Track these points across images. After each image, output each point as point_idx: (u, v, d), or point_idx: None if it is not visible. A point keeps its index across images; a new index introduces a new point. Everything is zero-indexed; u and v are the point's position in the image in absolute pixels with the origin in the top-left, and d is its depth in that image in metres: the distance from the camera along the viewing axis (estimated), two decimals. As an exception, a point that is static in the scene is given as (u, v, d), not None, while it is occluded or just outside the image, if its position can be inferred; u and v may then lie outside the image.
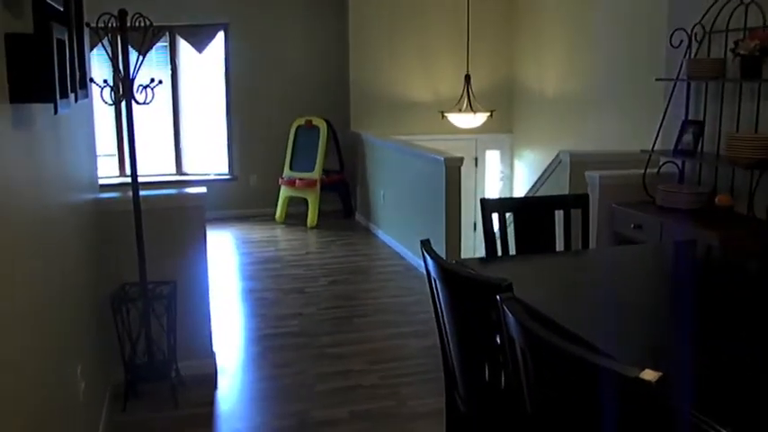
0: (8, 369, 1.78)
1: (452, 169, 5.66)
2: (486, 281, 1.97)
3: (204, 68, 8.63)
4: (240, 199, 8.50)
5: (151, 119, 8.12)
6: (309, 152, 8.03)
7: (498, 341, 2.04)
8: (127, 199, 3.55)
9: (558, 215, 3.43)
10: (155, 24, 3.53)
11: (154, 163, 8.39)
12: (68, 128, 3.08)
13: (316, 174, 7.90)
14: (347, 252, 7.03)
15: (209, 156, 8.73)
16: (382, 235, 7.38)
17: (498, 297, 1.75)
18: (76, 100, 2.56)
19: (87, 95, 3.37)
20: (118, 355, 3.61)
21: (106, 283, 3.62)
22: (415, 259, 6.24)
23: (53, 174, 2.69)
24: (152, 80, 3.44)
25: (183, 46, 8.43)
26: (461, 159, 5.72)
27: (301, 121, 8.22)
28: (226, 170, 8.68)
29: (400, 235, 6.86)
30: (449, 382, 2.48)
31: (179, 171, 8.63)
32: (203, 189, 3.95)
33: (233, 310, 5.29)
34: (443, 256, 4.94)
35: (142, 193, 3.54)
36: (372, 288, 5.97)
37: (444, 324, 2.31)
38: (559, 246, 3.48)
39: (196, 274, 3.87)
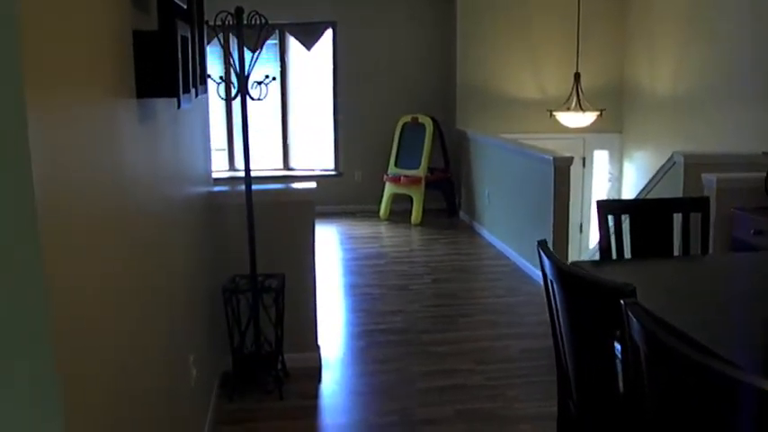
0: (125, 353, 1.83)
1: (562, 169, 5.51)
2: (610, 285, 1.89)
3: (312, 65, 8.76)
4: (345, 195, 8.59)
5: (259, 114, 8.31)
6: (415, 149, 8.02)
7: (617, 346, 1.96)
8: (240, 193, 3.63)
9: (676, 218, 3.28)
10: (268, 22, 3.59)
11: (261, 158, 8.58)
12: (186, 122, 3.17)
13: (421, 171, 7.89)
14: (451, 250, 6.98)
15: (315, 151, 8.86)
16: (487, 234, 7.28)
17: (622, 302, 1.67)
18: (197, 95, 2.62)
19: (206, 91, 3.46)
20: (227, 344, 3.69)
21: (218, 274, 3.72)
22: (521, 260, 6.13)
23: (173, 167, 2.77)
24: (266, 77, 3.50)
25: (292, 43, 8.59)
26: (571, 159, 5.57)
27: (407, 119, 8.22)
28: (331, 166, 8.79)
29: (505, 235, 6.75)
30: (562, 386, 2.40)
31: (286, 166, 8.80)
32: (313, 184, 4.00)
33: (336, 305, 5.34)
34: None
35: (254, 187, 3.61)
36: (477, 288, 5.91)
37: (560, 327, 2.24)
38: (677, 250, 3.33)
39: (304, 268, 3.91)
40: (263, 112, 8.36)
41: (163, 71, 2.09)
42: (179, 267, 2.80)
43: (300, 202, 3.89)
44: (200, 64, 2.80)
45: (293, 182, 7.99)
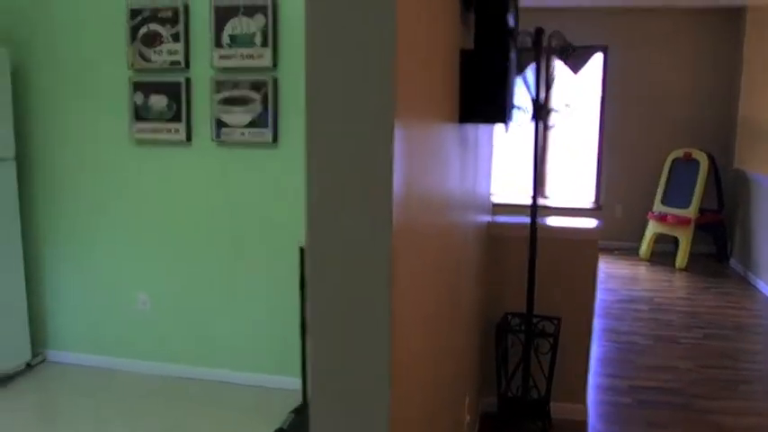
0: (414, 392, 1.64)
1: None
2: None
3: (577, 89, 8.37)
4: (603, 230, 8.08)
5: (514, 139, 8.06)
6: (685, 187, 7.35)
7: None
8: (521, 225, 3.39)
9: None
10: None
11: (513, 185, 8.33)
12: (478, 146, 2.99)
13: (691, 211, 7.19)
14: (722, 302, 6.25)
15: (574, 182, 8.44)
16: (765, 288, 6.45)
17: None
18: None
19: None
20: (492, 385, 3.46)
21: (489, 309, 3.50)
22: (815, 325, 5.31)
23: (470, 192, 2.59)
24: (566, 105, 3.22)
25: (557, 66, 8.26)
26: None
27: (679, 153, 7.56)
28: (591, 198, 8.32)
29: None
30: None
31: (540, 195, 8.48)
32: (595, 222, 3.66)
33: (599, 351, 4.92)
34: None
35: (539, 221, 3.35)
36: (757, 350, 5.18)
37: None
38: None
39: (582, 313, 3.59)
40: (518, 136, 8.10)
41: (492, 93, 1.90)
42: (466, 297, 2.61)
43: (584, 240, 3.57)
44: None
45: (549, 214, 7.64)
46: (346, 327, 1.31)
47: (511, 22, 2.11)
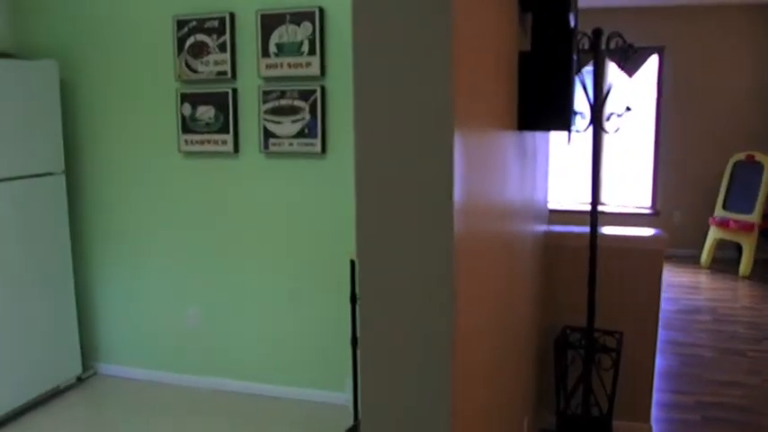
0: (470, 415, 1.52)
1: None
2: None
3: (632, 93, 8.13)
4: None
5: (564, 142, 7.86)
6: (749, 191, 7.05)
7: None
8: (580, 235, 3.24)
9: None
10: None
11: (565, 189, 8.12)
12: (537, 154, 2.86)
13: (755, 216, 6.90)
14: (791, 313, 5.96)
15: (630, 186, 8.19)
16: (837, 297, 6.14)
17: None
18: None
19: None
20: (551, 402, 3.31)
21: (546, 323, 3.36)
22: None
23: (528, 200, 2.46)
24: (627, 108, 3.07)
25: (610, 69, 8.03)
26: None
27: (741, 156, 7.27)
28: (647, 203, 8.06)
29: None
30: None
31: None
32: (659, 231, 3.48)
33: (661, 364, 4.72)
34: None
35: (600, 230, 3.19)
36: (831, 364, 4.91)
37: None
38: None
39: (645, 327, 3.41)
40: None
41: (554, 99, 1.77)
42: (522, 310, 2.48)
43: (647, 250, 3.40)
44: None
45: (604, 219, 7.41)
46: (404, 344, 1.25)
47: (572, 21, 1.98)
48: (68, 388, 4.26)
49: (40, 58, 4.16)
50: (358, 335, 1.64)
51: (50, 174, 4.06)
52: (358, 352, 1.55)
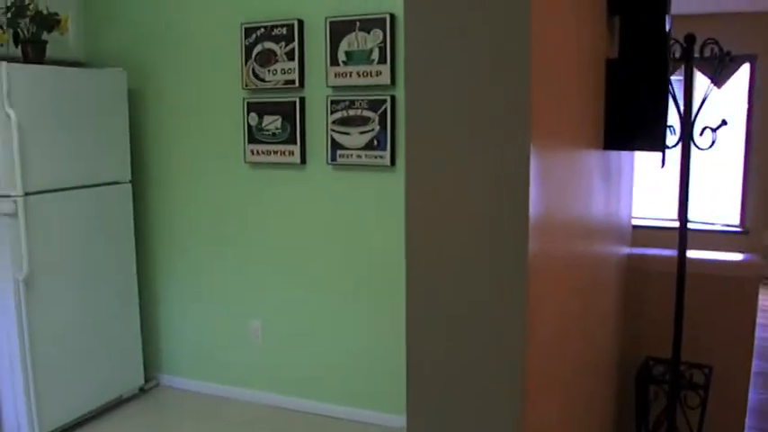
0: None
1: None
2: None
3: (721, 104, 7.70)
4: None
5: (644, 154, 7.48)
6: None
7: None
8: (667, 259, 2.98)
9: None
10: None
11: (649, 203, 7.72)
12: (621, 168, 2.64)
13: None
14: None
15: (716, 201, 7.74)
16: None
17: None
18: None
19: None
20: (631, 439, 3.06)
21: (628, 353, 3.11)
22: None
23: (612, 222, 2.25)
24: (723, 122, 2.81)
25: (698, 79, 7.62)
26: None
27: (841, 172, 6.78)
28: (735, 221, 7.60)
29: None
30: None
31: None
32: (754, 256, 3.19)
33: (754, 400, 4.36)
34: None
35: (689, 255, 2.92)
36: None
37: None
38: None
39: (737, 361, 3.13)
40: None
41: (647, 114, 1.56)
42: (600, 339, 2.26)
43: (741, 277, 3.11)
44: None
45: (689, 237, 6.99)
46: (462, 376, 1.15)
47: (668, 24, 1.77)
48: (131, 398, 4.23)
49: (108, 67, 4.15)
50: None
51: (117, 183, 4.03)
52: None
